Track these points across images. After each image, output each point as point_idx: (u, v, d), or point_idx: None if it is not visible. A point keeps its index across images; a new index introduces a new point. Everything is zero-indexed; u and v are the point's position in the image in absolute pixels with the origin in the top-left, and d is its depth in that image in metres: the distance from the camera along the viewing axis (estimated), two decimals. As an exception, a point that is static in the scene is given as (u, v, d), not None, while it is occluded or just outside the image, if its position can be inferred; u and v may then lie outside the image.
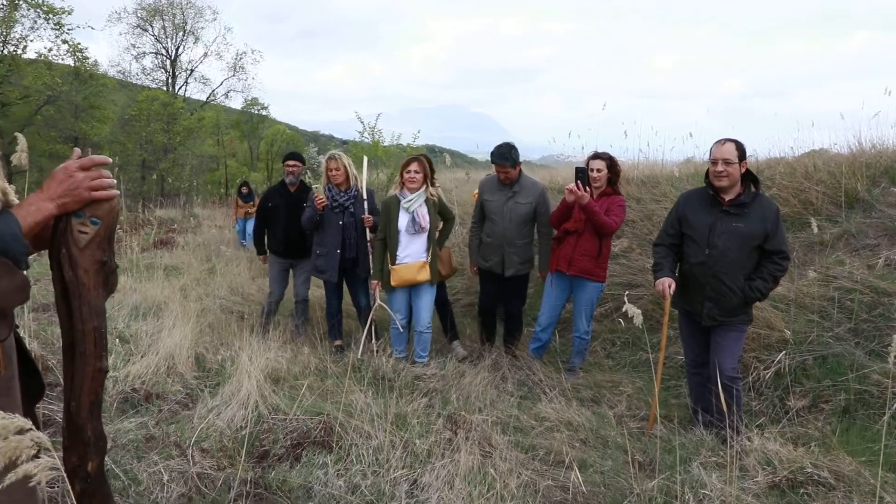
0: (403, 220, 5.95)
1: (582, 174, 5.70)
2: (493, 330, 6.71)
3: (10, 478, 1.39)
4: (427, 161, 6.29)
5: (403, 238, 5.97)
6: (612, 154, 6.03)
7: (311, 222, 6.40)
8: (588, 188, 5.66)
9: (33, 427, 1.42)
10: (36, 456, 1.41)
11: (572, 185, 5.58)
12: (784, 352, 5.30)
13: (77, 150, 1.75)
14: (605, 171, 5.87)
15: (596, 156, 5.97)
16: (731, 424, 4.12)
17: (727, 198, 4.49)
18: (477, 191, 7.16)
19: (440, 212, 6.19)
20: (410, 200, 5.90)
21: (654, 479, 3.65)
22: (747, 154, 4.53)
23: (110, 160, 1.75)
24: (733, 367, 4.52)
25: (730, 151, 4.40)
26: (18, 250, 1.54)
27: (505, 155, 6.07)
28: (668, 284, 4.60)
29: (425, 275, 5.95)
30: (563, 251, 5.96)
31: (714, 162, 4.46)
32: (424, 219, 5.92)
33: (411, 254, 5.99)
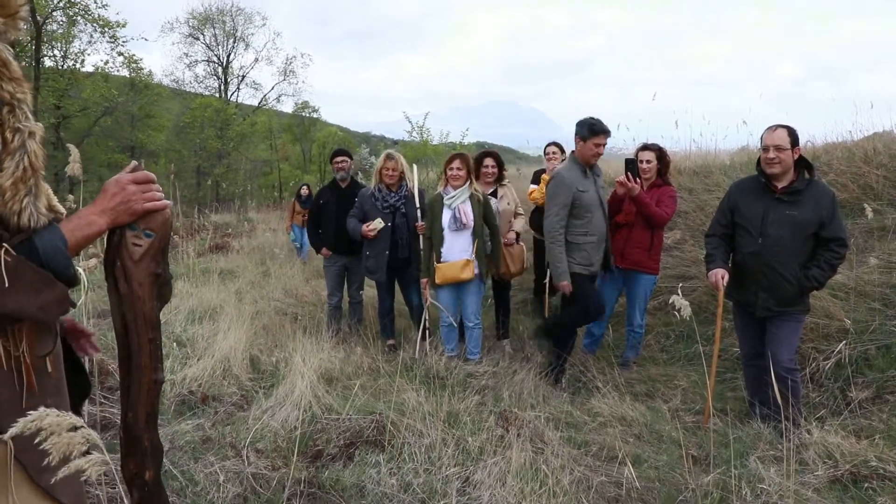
0: (446, 217, 5.94)
1: (632, 166, 5.64)
2: (570, 348, 5.91)
3: (64, 471, 1.45)
4: (497, 157, 6.65)
5: (447, 235, 5.94)
6: (661, 145, 5.97)
7: (355, 234, 6.48)
8: (638, 180, 5.60)
9: (84, 425, 1.46)
10: (87, 452, 1.45)
11: (622, 178, 5.53)
12: (844, 342, 5.16)
13: (133, 163, 1.77)
14: (655, 162, 5.82)
15: (645, 147, 5.92)
16: (789, 417, 4.03)
17: (780, 185, 4.39)
18: (536, 187, 7.10)
19: (484, 215, 6.04)
20: (452, 197, 5.90)
21: (709, 473, 3.59)
22: (803, 140, 4.42)
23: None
24: (790, 359, 4.41)
25: (781, 138, 4.31)
26: (61, 263, 1.57)
27: (602, 123, 5.40)
28: (721, 275, 4.52)
29: (469, 273, 5.87)
30: (614, 244, 5.91)
31: (766, 149, 4.37)
32: (466, 215, 5.86)
33: (455, 251, 5.94)
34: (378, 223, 6.29)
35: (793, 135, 4.33)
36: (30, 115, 1.61)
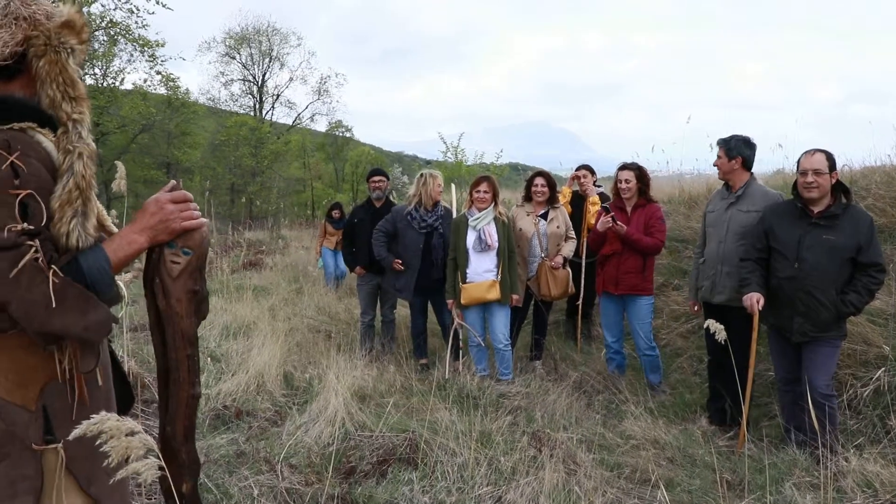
0: (471, 239, 6.00)
1: (605, 207, 5.98)
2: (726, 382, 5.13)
3: (122, 474, 1.50)
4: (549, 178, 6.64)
5: (472, 256, 6.00)
6: (640, 164, 6.11)
7: (380, 255, 6.71)
8: (616, 224, 5.75)
9: (142, 430, 1.51)
10: (143, 457, 1.50)
11: (606, 222, 5.76)
12: (883, 368, 5.07)
13: (172, 182, 1.82)
14: (634, 181, 5.92)
15: (624, 166, 6.07)
16: (826, 443, 3.98)
17: (816, 209, 4.36)
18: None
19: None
20: (478, 218, 5.96)
21: (744, 499, 3.57)
22: (841, 163, 4.38)
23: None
24: (827, 385, 4.36)
25: (820, 162, 4.28)
26: (105, 283, 1.62)
27: (729, 136, 5.15)
28: (756, 300, 4.48)
29: (495, 293, 5.93)
30: (607, 273, 6.07)
31: (804, 173, 4.34)
32: (492, 237, 5.93)
33: (480, 272, 5.99)
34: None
35: (830, 159, 4.31)
36: (84, 135, 1.65)
